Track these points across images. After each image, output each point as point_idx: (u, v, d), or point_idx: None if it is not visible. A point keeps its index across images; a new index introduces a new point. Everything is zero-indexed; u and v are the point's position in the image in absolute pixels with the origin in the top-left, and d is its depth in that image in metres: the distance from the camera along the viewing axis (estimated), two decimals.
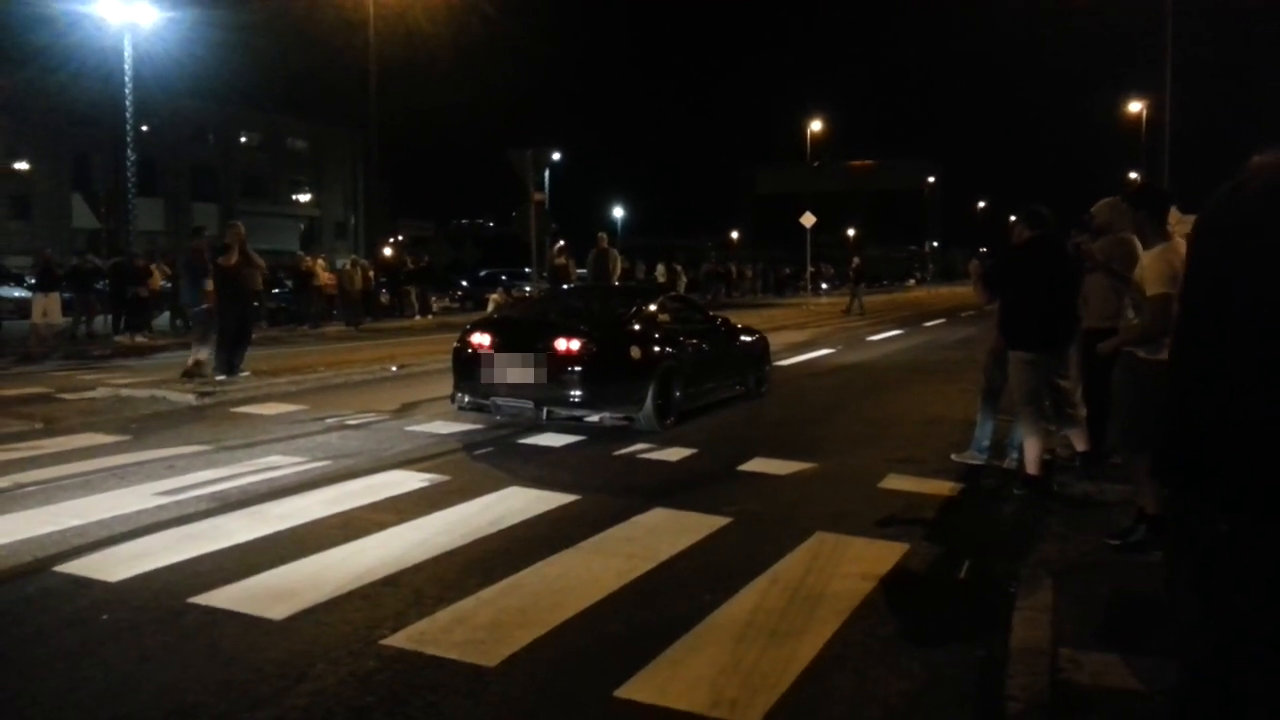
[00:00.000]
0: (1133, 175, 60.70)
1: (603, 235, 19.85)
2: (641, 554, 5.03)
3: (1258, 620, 1.88)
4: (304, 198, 61.75)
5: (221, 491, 6.29)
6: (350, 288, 24.70)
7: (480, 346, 8.90)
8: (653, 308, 9.76)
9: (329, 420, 9.10)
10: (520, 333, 9.11)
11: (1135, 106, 47.48)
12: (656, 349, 9.00)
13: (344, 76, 37.53)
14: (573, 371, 8.41)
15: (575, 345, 8.47)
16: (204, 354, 11.88)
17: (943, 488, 6.72)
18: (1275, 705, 1.91)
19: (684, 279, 41.91)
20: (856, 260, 34.57)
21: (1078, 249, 6.69)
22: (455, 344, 9.28)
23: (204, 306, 12.16)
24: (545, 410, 8.61)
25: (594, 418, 8.69)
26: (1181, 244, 5.05)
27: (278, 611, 4.12)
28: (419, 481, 6.63)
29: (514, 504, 6.05)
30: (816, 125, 50.07)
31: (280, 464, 7.14)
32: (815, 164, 58.11)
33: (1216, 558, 1.92)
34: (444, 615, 4.12)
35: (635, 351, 8.80)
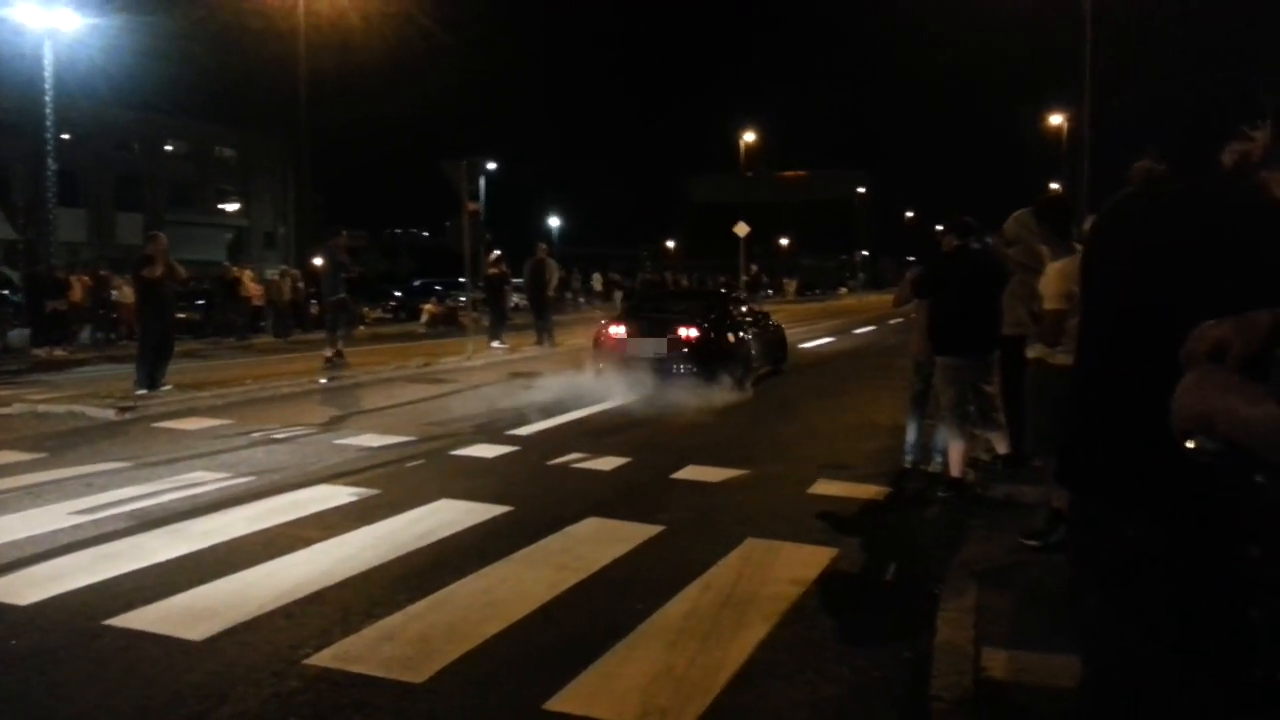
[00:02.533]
0: (1053, 185, 62.54)
1: (542, 245, 19.80)
2: (573, 564, 5.02)
3: (1160, 621, 1.93)
4: (232, 207, 60.36)
5: (141, 509, 6.11)
6: (279, 299, 24.24)
7: (619, 334, 12.37)
8: (732, 307, 13.40)
9: (254, 434, 8.91)
10: (651, 323, 12.37)
11: (1056, 119, 48.90)
12: (740, 335, 12.49)
13: (274, 85, 36.93)
14: (689, 351, 11.71)
15: (693, 333, 11.80)
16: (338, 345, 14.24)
17: (870, 492, 6.82)
18: (1179, 704, 1.96)
19: (617, 290, 42.00)
20: (754, 268, 35.20)
21: (988, 249, 6.84)
22: (597, 332, 12.87)
23: (339, 296, 14.55)
24: (668, 377, 11.59)
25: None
26: (1078, 257, 5.23)
27: (198, 632, 4.01)
28: (347, 496, 6.52)
29: (444, 516, 5.98)
30: (750, 136, 50.59)
31: (203, 480, 6.96)
32: (749, 174, 58.72)
33: (1121, 561, 1.97)
34: (370, 632, 4.05)
35: (730, 338, 12.23)
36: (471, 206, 16.27)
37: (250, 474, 7.19)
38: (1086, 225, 5.73)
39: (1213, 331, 1.43)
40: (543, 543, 5.43)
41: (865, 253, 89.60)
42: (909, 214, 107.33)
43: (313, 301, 27.43)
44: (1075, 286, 5.05)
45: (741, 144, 51.51)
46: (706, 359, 11.62)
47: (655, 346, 11.88)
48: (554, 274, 20.19)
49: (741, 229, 31.86)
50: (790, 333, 21.33)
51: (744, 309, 13.96)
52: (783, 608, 4.39)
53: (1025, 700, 3.38)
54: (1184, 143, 2.10)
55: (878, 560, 5.30)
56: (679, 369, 11.64)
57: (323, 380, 13.04)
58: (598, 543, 5.45)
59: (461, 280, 40.96)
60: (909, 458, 7.52)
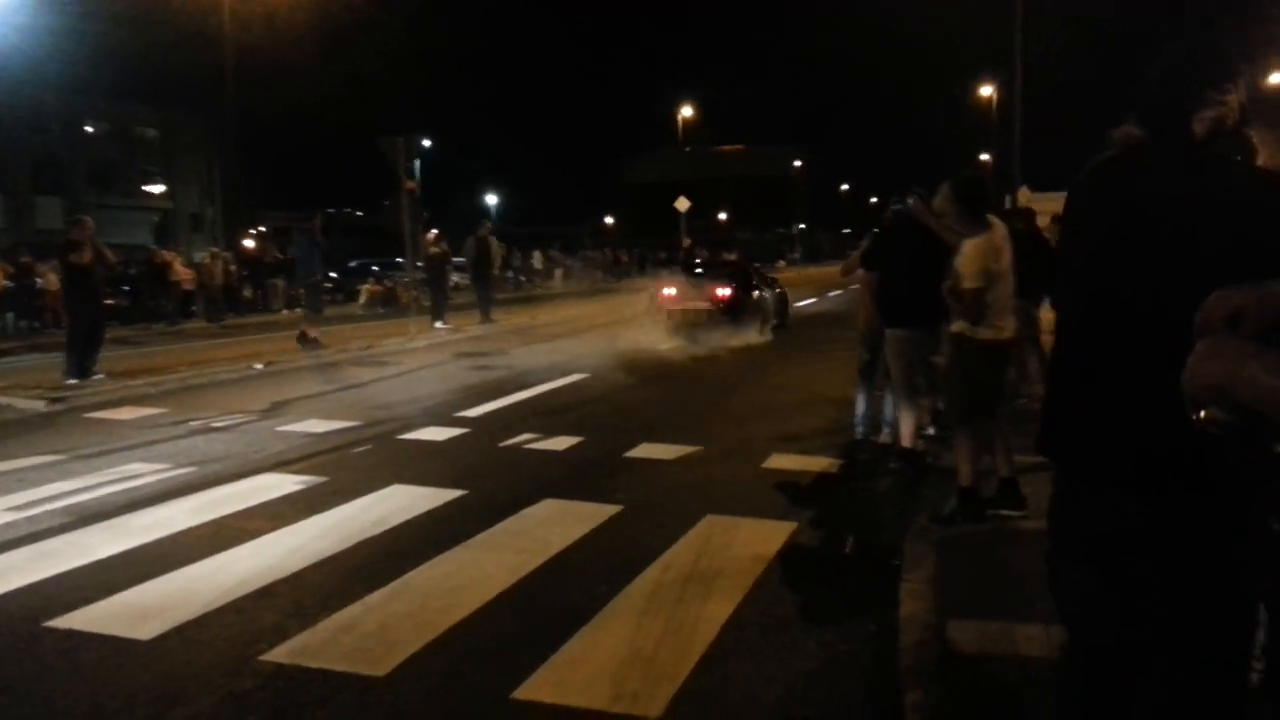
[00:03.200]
0: (984, 157, 63.47)
1: (486, 224, 19.55)
2: (532, 548, 4.94)
3: (1150, 599, 1.92)
4: (156, 189, 58.51)
5: (78, 504, 5.88)
6: (210, 282, 23.62)
7: (673, 293, 15.63)
8: (753, 275, 16.89)
9: (193, 423, 8.64)
10: (697, 285, 15.67)
11: (986, 90, 49.58)
12: (760, 294, 16.05)
13: (198, 62, 35.65)
14: (726, 306, 15.12)
15: (728, 292, 15.22)
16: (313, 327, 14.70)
17: (824, 464, 6.85)
18: (1172, 681, 1.96)
19: (558, 268, 41.75)
20: (687, 242, 35.54)
21: (907, 209, 6.71)
22: (655, 293, 16.32)
23: (315, 278, 15.27)
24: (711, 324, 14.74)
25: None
26: (998, 234, 5.28)
27: (145, 631, 3.86)
28: (293, 484, 6.34)
29: (397, 502, 5.86)
30: (688, 111, 50.45)
31: (141, 472, 6.72)
32: (687, 149, 58.63)
33: (1110, 538, 1.96)
34: (327, 625, 3.94)
35: (753, 296, 15.79)
36: (410, 185, 15.97)
37: (190, 464, 6.96)
38: (1021, 196, 5.81)
39: (1231, 300, 1.39)
40: (500, 526, 5.34)
41: (802, 226, 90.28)
42: (844, 187, 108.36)
43: (245, 285, 26.88)
44: (993, 264, 5.12)
45: (679, 119, 51.35)
46: (737, 311, 15.15)
47: (701, 302, 15.23)
48: (497, 253, 19.96)
49: (682, 204, 31.87)
50: None
51: (761, 276, 17.61)
52: (746, 584, 4.37)
53: (993, 670, 3.39)
54: (1156, 108, 2.07)
55: (836, 533, 5.32)
56: (718, 318, 14.94)
57: (257, 367, 12.70)
58: (555, 524, 5.37)
59: (399, 260, 40.42)
60: (859, 429, 7.56)
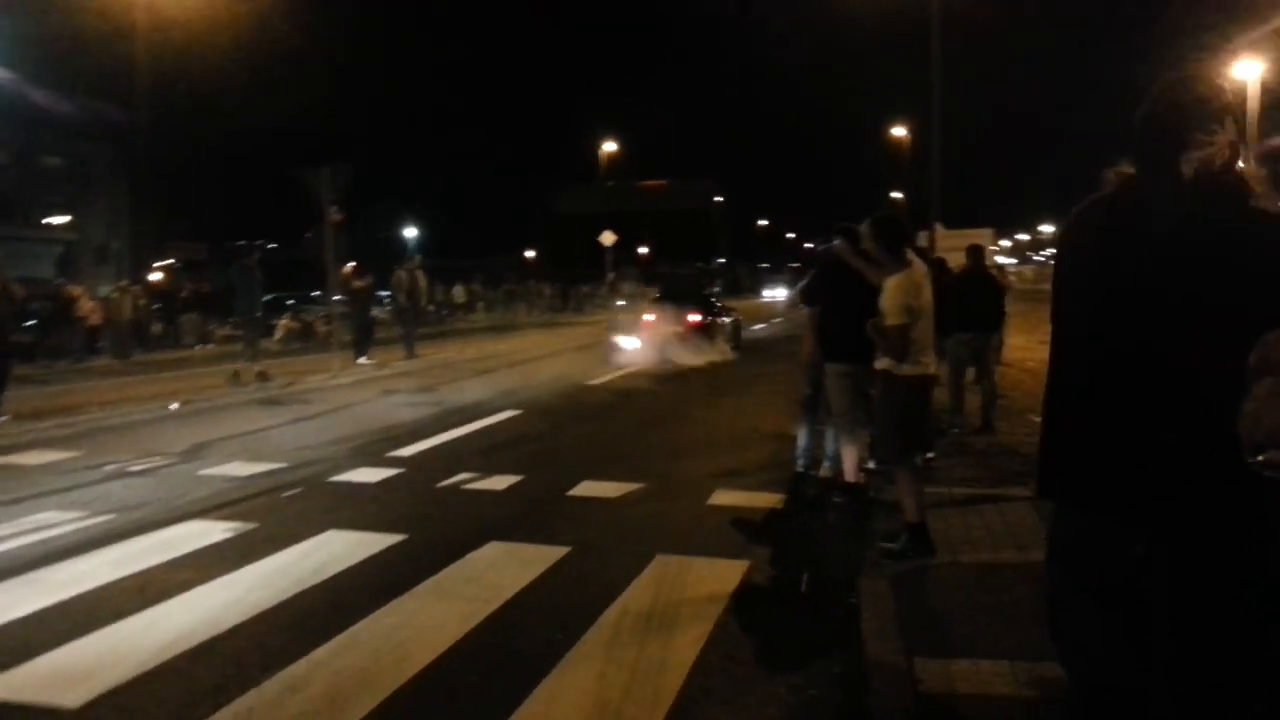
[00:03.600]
0: (896, 195, 65.23)
1: (416, 257, 19.30)
2: (482, 594, 4.78)
3: (1164, 638, 1.90)
4: (60, 220, 56.32)
5: None
6: (119, 317, 22.71)
7: (652, 318, 17.70)
8: (716, 303, 20.49)
9: (108, 467, 8.21)
10: (670, 310, 17.76)
11: (899, 131, 51.01)
12: (721, 320, 19.33)
13: (107, 89, 34.53)
14: (696, 328, 17.65)
15: (698, 317, 17.90)
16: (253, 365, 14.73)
17: (769, 500, 6.83)
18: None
19: (480, 301, 41.41)
20: (611, 276, 35.88)
21: (831, 251, 6.86)
22: (638, 319, 18.20)
23: (257, 315, 15.36)
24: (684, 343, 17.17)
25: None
26: (918, 272, 5.38)
27: (73, 698, 3.58)
28: (222, 532, 6.05)
29: (335, 549, 5.62)
30: (610, 146, 50.75)
31: (56, 521, 6.33)
32: (610, 184, 58.94)
33: (1122, 577, 1.94)
34: (272, 685, 3.72)
35: (718, 320, 19.09)
36: (335, 217, 15.63)
37: (109, 512, 6.59)
38: (938, 233, 5.92)
39: None
40: (446, 572, 5.16)
41: (721, 260, 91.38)
42: (762, 222, 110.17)
43: (155, 320, 25.96)
44: (914, 301, 5.22)
45: (601, 154, 51.60)
46: (704, 333, 17.91)
47: (676, 325, 17.52)
48: (424, 284, 19.69)
49: (608, 238, 31.94)
50: None
51: (720, 305, 20.71)
52: (706, 628, 4.28)
53: (968, 712, 3.36)
54: (1144, 149, 2.09)
55: (789, 570, 5.27)
56: (690, 338, 17.38)
57: (174, 407, 12.21)
58: (503, 569, 5.22)
59: (315, 294, 39.45)
60: (799, 462, 7.58)
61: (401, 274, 18.96)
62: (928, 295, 5.38)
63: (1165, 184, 2.02)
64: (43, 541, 5.85)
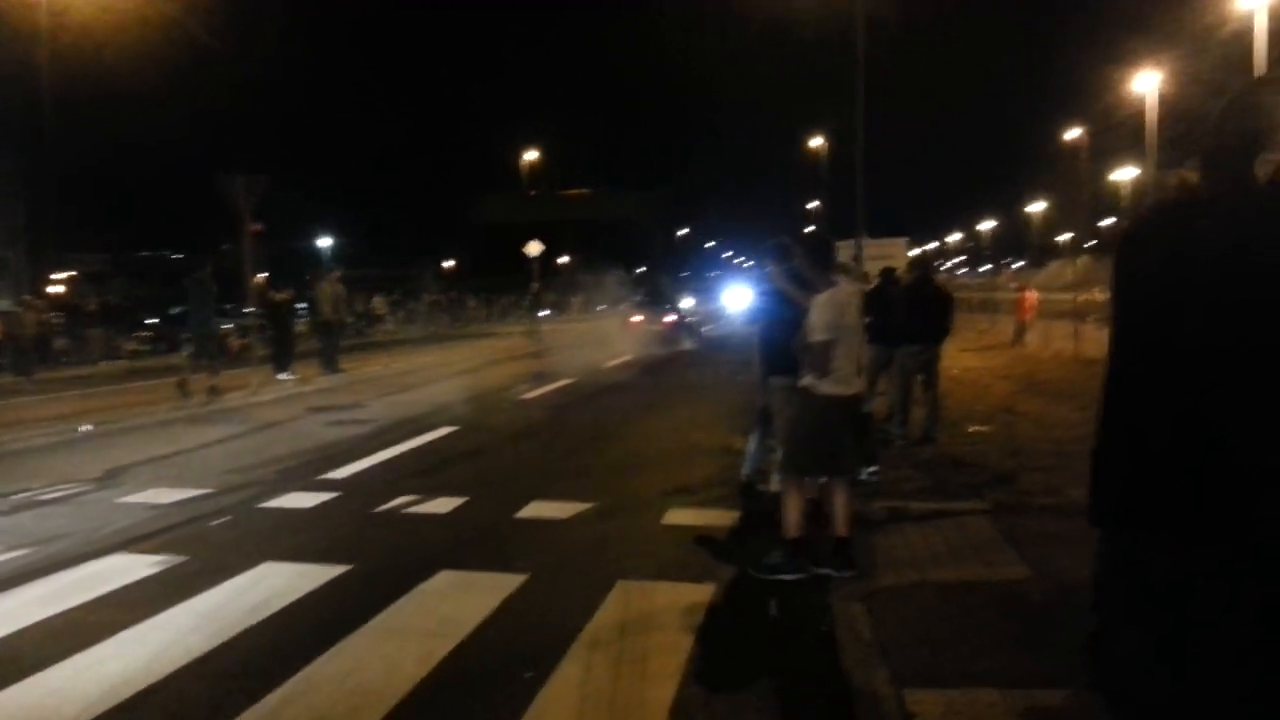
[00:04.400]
0: (812, 204, 66.25)
1: (336, 269, 18.77)
2: (440, 630, 4.52)
3: (1220, 663, 1.81)
4: None
5: None
6: (20, 333, 21.58)
7: (640, 319, 25.14)
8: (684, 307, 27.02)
9: (16, 496, 7.67)
10: (653, 313, 25.15)
11: (816, 141, 51.75)
12: (689, 320, 25.68)
13: (4, 96, 32.88)
14: (672, 326, 24.26)
15: (673, 319, 24.63)
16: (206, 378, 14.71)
17: (723, 518, 6.68)
18: None
19: (400, 312, 40.61)
20: (535, 286, 35.75)
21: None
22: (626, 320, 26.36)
23: (209, 329, 15.41)
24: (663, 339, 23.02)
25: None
26: (844, 290, 5.36)
27: None
28: (149, 566, 5.66)
29: (274, 583, 5.29)
30: (532, 155, 50.38)
31: None
32: (533, 193, 58.53)
33: (1178, 604, 1.83)
34: None
35: (686, 320, 25.33)
36: (255, 227, 15.08)
37: (23, 545, 6.12)
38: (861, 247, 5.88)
39: None
40: (397, 606, 4.89)
41: (642, 269, 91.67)
42: (681, 232, 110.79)
43: (59, 334, 24.79)
44: (838, 319, 5.18)
45: (523, 163, 51.17)
46: (678, 330, 23.91)
47: (656, 325, 23.89)
48: (344, 295, 19.16)
49: (534, 248, 31.61)
50: (584, 353, 21.46)
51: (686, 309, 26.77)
52: (680, 661, 4.10)
53: None
54: (1217, 151, 2.01)
55: (754, 594, 5.10)
56: (667, 334, 23.38)
57: (85, 428, 11.57)
58: (458, 601, 4.97)
59: (226, 307, 38.20)
60: (745, 469, 7.46)
61: (325, 286, 18.38)
62: (853, 314, 5.36)
63: (1239, 185, 1.93)
64: None
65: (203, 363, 15.29)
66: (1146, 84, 46.14)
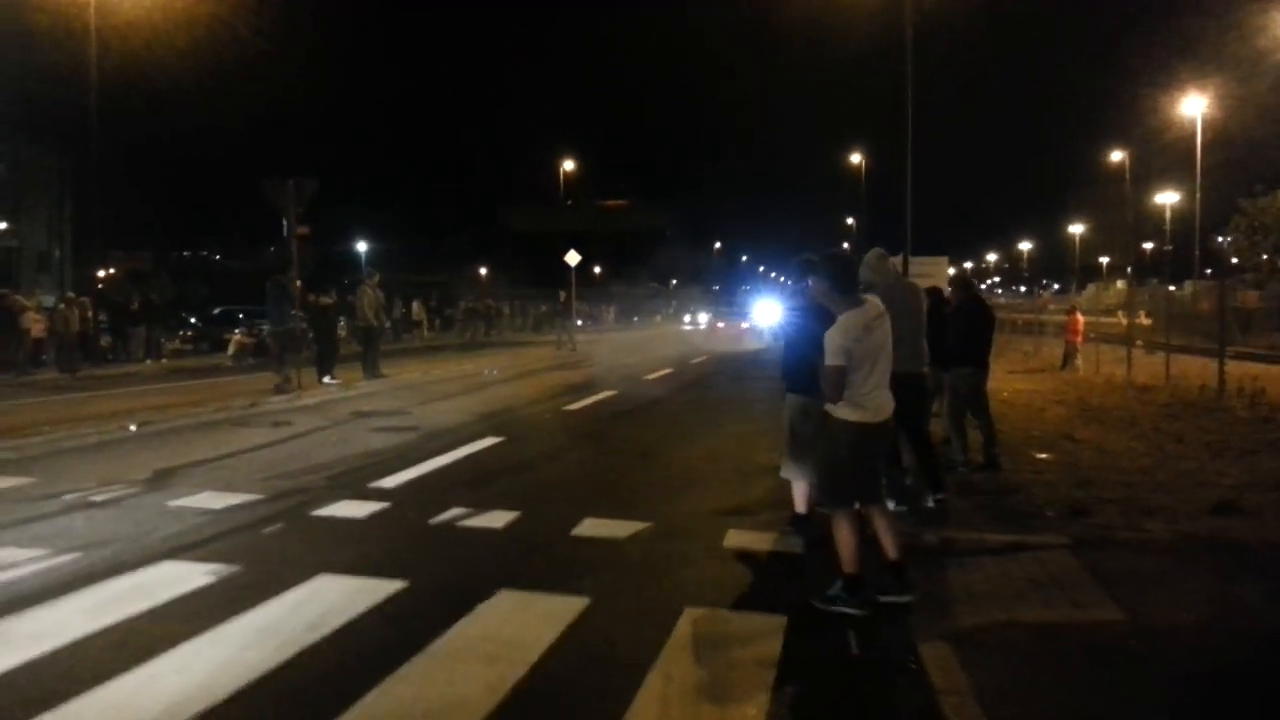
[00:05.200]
0: (849, 220, 65.78)
1: (376, 274, 18.75)
2: (504, 655, 4.34)
3: None
4: None
5: None
6: (65, 330, 21.76)
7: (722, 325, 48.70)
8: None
9: (67, 496, 7.60)
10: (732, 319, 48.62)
11: (855, 158, 51.38)
12: (756, 325, 35.77)
13: (52, 92, 33.33)
14: (748, 329, 38.38)
15: (747, 324, 37.65)
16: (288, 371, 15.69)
17: (784, 542, 6.44)
18: None
19: (437, 319, 40.60)
20: (563, 295, 35.28)
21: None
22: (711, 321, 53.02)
23: (288, 327, 15.83)
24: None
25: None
26: (870, 312, 5.08)
27: None
28: (203, 575, 5.52)
29: (330, 598, 5.13)
30: (569, 165, 50.43)
31: (15, 560, 5.76)
32: (569, 203, 58.59)
33: None
34: None
35: (756, 325, 36.37)
36: (301, 230, 15.06)
37: (73, 549, 6.02)
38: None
39: None
40: (458, 628, 4.70)
41: (674, 281, 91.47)
42: (717, 245, 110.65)
43: (104, 332, 24.99)
44: (853, 343, 4.93)
45: (561, 173, 51.22)
46: (749, 333, 30.82)
47: (734, 330, 33.50)
48: (384, 304, 19.14)
49: (572, 258, 31.48)
50: (628, 364, 21.34)
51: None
52: (764, 701, 3.88)
53: None
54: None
55: (829, 627, 4.86)
56: (741, 335, 29.79)
57: (132, 428, 11.53)
58: (521, 624, 4.78)
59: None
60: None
61: (366, 290, 18.36)
62: (879, 337, 5.10)
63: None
64: (4, 585, 5.29)
65: (285, 359, 16.03)
66: (1193, 108, 45.54)
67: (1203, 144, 43.40)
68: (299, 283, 18.18)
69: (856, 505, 5.16)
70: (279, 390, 15.15)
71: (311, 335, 17.75)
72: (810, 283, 6.29)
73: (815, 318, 6.30)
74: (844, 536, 5.08)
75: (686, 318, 69.29)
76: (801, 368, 6.49)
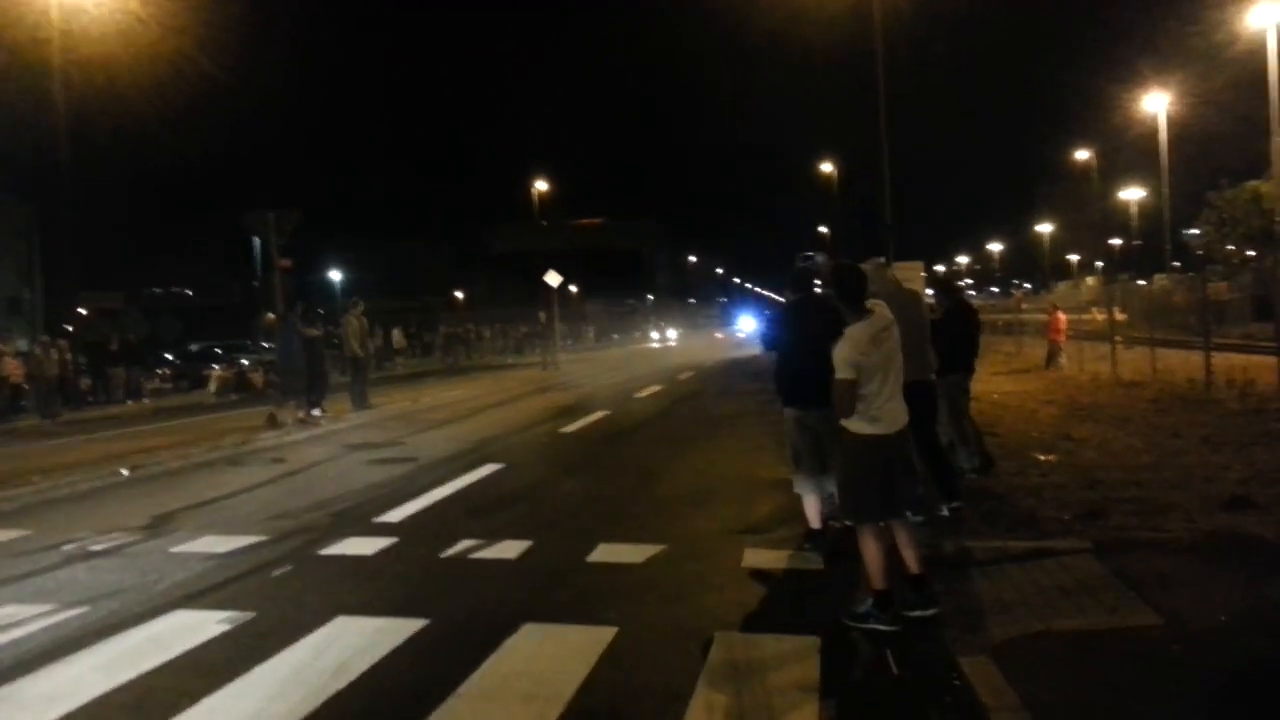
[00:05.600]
0: (821, 229, 66.04)
1: (360, 302, 18.56)
2: (540, 693, 4.23)
3: None
4: None
5: None
6: (42, 374, 21.43)
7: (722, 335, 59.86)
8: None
9: (66, 547, 7.42)
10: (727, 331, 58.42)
11: (827, 167, 51.63)
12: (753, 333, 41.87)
13: (15, 134, 32.97)
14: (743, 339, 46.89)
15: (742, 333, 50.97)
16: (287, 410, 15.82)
17: (808, 561, 6.37)
18: None
19: (418, 345, 40.39)
20: (543, 316, 35.48)
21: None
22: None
23: (299, 366, 15.93)
24: None
25: None
26: (876, 324, 5.04)
27: None
28: (216, 624, 5.37)
29: (352, 640, 5.01)
30: (542, 185, 50.41)
31: (20, 616, 5.59)
32: (544, 223, 58.55)
33: None
34: None
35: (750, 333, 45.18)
36: (283, 263, 14.92)
37: (80, 603, 5.85)
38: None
39: None
40: (487, 665, 4.59)
41: (650, 298, 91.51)
42: (692, 259, 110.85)
43: (83, 374, 24.64)
44: (861, 356, 4.89)
45: (534, 193, 51.13)
46: (747, 339, 36.03)
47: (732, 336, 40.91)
48: (368, 333, 18.97)
49: (553, 279, 31.42)
50: (615, 383, 21.28)
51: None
52: None
53: None
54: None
55: (864, 646, 4.80)
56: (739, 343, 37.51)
57: (124, 472, 11.32)
58: (551, 658, 4.68)
59: (248, 342, 38.02)
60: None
61: (351, 320, 18.19)
62: (888, 348, 5.05)
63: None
64: (12, 643, 5.14)
65: (289, 398, 16.32)
66: (1156, 104, 46.14)
67: (1168, 139, 44.03)
68: (272, 317, 18.07)
69: (880, 520, 5.11)
70: (272, 424, 15.15)
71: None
72: (821, 259, 6.26)
73: (804, 322, 6.22)
74: (870, 552, 5.03)
75: (654, 334, 68.71)
76: (793, 379, 6.43)
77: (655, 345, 58.83)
